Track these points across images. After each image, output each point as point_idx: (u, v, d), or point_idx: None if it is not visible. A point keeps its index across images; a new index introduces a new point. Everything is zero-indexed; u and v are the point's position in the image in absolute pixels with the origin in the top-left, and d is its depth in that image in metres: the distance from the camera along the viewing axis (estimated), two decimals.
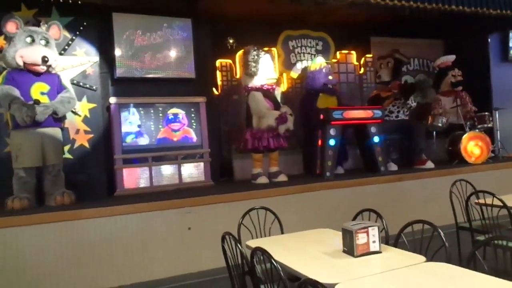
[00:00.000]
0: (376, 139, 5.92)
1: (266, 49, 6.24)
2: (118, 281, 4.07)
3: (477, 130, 6.61)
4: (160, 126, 5.69)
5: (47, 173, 4.67)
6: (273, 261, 1.91)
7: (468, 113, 6.93)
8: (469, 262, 2.05)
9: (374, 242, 2.24)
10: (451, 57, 7.39)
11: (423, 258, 2.11)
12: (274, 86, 5.95)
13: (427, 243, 2.34)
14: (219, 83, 6.62)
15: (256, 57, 5.71)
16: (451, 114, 7.00)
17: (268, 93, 5.76)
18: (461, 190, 4.07)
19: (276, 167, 5.82)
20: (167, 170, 5.62)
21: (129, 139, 5.49)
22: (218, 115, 6.45)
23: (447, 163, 6.57)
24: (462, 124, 6.70)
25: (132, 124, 5.53)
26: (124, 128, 5.47)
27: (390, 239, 2.64)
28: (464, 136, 6.43)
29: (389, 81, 6.74)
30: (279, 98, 6.15)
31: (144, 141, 5.57)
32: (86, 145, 5.25)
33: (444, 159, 6.86)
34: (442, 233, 2.29)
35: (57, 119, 4.72)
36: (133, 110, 5.55)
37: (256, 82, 5.74)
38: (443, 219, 3.89)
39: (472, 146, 6.46)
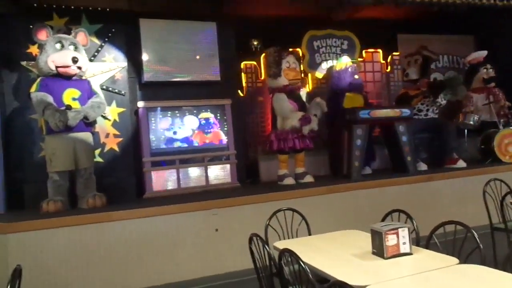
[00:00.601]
0: (404, 138, 5.80)
1: (290, 49, 6.21)
2: (147, 282, 4.14)
3: (511, 128, 6.37)
4: (194, 129, 5.78)
5: (79, 177, 4.82)
6: (301, 262, 1.90)
7: (501, 109, 6.70)
8: (506, 265, 1.97)
9: (404, 243, 2.19)
10: (483, 53, 7.15)
11: (456, 260, 2.05)
12: (299, 86, 5.92)
13: (460, 244, 2.27)
14: (244, 85, 6.65)
15: (277, 58, 5.70)
16: (483, 111, 6.77)
17: (292, 94, 5.74)
18: (496, 190, 3.93)
19: (302, 168, 5.79)
20: (194, 172, 5.69)
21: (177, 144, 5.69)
22: (244, 117, 6.47)
23: (480, 162, 6.36)
24: (495, 122, 6.48)
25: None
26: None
27: (421, 241, 2.58)
28: (498, 134, 6.21)
29: (417, 79, 6.59)
30: (304, 99, 6.12)
31: (176, 143, 5.68)
32: (116, 148, 5.38)
33: (476, 158, 6.64)
34: (476, 234, 2.22)
35: (88, 123, 4.86)
36: (164, 113, 5.68)
37: (279, 83, 5.74)
38: (477, 220, 3.76)
39: (507, 144, 6.23)
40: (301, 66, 6.27)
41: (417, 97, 6.37)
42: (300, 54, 6.76)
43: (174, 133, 5.68)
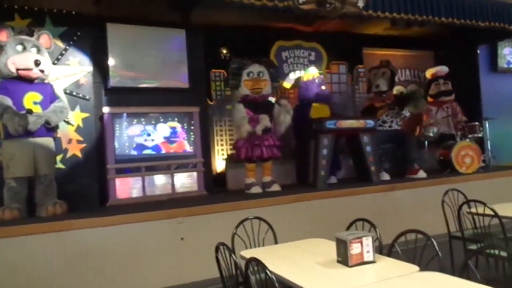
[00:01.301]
0: (368, 148, 5.97)
1: (265, 59, 6.24)
2: None
3: (467, 140, 6.69)
4: (160, 139, 5.69)
5: (39, 183, 4.63)
6: (268, 271, 1.91)
7: (458, 123, 7.03)
8: (462, 271, 2.07)
9: (368, 252, 2.25)
10: (440, 68, 7.52)
11: (416, 268, 2.12)
12: (263, 96, 5.89)
13: (420, 252, 2.35)
14: (213, 92, 6.64)
15: (235, 70, 5.78)
16: (442, 124, 7.09)
17: (255, 103, 5.75)
18: (453, 200, 4.10)
19: (269, 176, 5.82)
20: (160, 180, 5.60)
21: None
22: (212, 125, 6.45)
23: (439, 173, 6.62)
24: (453, 134, 6.78)
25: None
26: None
27: (383, 249, 2.65)
28: (455, 146, 6.50)
29: (386, 91, 6.84)
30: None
31: (139, 150, 5.57)
32: (79, 154, 5.21)
33: (435, 169, 6.91)
34: (435, 243, 2.31)
35: (49, 128, 4.70)
36: (130, 120, 5.57)
37: (240, 93, 5.80)
38: (436, 228, 3.91)
39: (463, 156, 6.53)
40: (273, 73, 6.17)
41: (382, 108, 6.59)
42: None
43: (148, 135, 5.60)
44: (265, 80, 5.87)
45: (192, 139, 5.86)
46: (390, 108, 6.60)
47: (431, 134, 6.83)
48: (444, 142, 6.89)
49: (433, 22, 6.06)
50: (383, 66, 6.96)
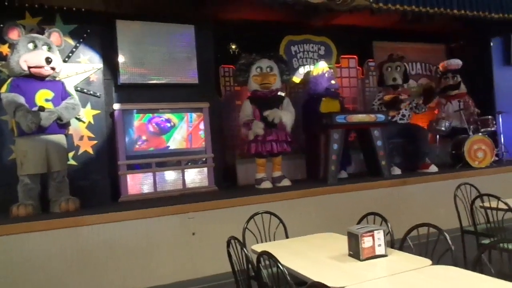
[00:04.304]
0: (379, 143, 5.92)
1: (274, 54, 6.21)
2: (122, 286, 4.06)
3: (480, 134, 6.60)
4: (168, 133, 5.71)
5: (51, 180, 4.69)
6: (279, 265, 1.91)
7: (471, 116, 6.94)
8: (475, 266, 2.05)
9: (379, 245, 2.24)
10: (452, 61, 7.42)
11: (428, 261, 2.10)
12: (272, 90, 5.87)
13: (433, 246, 2.34)
14: (222, 88, 6.65)
15: (243, 66, 5.78)
16: (454, 118, 7.01)
17: (264, 99, 5.74)
18: (466, 194, 4.06)
19: (279, 171, 5.82)
20: (170, 175, 5.63)
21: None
22: (221, 120, 6.46)
23: (451, 167, 6.55)
24: (465, 128, 6.69)
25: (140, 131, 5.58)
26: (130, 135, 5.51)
27: (395, 243, 2.64)
28: (468, 140, 6.42)
29: (401, 84, 6.82)
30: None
31: (148, 146, 5.60)
32: (90, 151, 5.27)
33: (447, 163, 6.85)
34: (448, 236, 2.29)
35: (61, 125, 4.74)
36: (137, 116, 5.59)
37: (250, 89, 5.80)
38: (448, 223, 3.88)
39: (476, 150, 6.45)
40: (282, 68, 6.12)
41: (405, 102, 6.53)
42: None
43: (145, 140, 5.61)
44: (274, 75, 5.88)
45: (199, 133, 5.87)
46: (410, 101, 6.59)
47: (442, 128, 6.75)
48: (456, 136, 6.81)
49: (444, 14, 5.97)
50: (397, 60, 6.89)
